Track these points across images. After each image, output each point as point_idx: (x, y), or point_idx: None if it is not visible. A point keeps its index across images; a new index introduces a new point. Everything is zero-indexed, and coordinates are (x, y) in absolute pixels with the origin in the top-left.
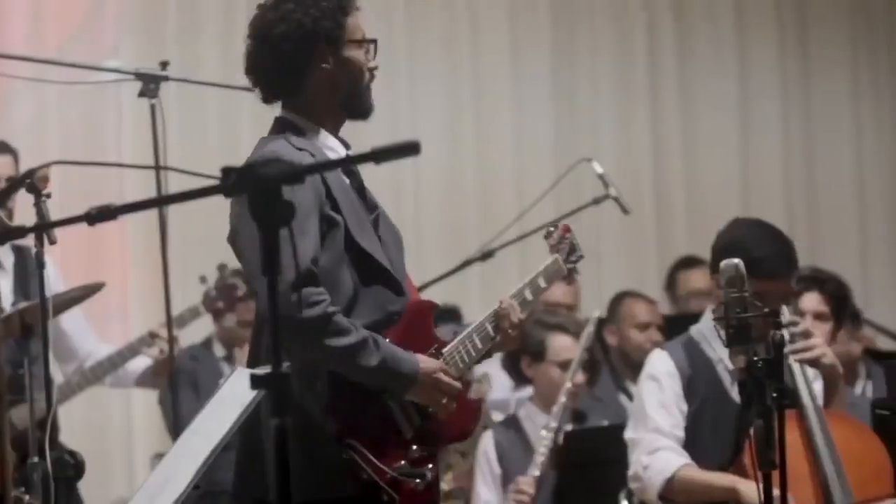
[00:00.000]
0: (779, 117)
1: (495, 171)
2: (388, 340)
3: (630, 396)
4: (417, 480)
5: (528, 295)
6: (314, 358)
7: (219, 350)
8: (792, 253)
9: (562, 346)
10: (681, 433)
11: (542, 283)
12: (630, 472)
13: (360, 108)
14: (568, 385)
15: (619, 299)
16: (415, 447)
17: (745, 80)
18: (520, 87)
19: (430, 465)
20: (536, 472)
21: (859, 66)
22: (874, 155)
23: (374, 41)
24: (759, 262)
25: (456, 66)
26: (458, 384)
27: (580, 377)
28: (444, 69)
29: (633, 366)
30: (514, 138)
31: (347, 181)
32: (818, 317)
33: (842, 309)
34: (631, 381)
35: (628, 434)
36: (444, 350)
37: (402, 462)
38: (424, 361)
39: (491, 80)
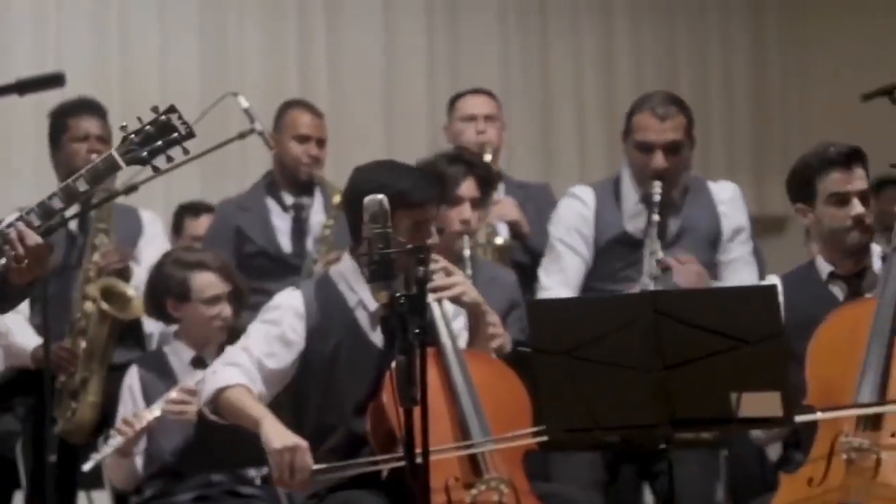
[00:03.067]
0: (425, 50)
1: (140, 100)
2: None
3: (285, 208)
4: None
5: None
6: None
7: None
8: (433, 178)
9: (206, 283)
10: (272, 365)
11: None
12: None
13: None
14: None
15: (285, 108)
16: None
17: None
18: (166, 12)
19: None
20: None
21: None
22: (518, 80)
23: None
24: (407, 193)
25: None
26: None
27: (228, 310)
28: None
29: (288, 180)
30: (161, 66)
31: None
32: (474, 204)
33: (488, 192)
34: (287, 193)
35: None
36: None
37: None
38: None
39: (137, 4)
